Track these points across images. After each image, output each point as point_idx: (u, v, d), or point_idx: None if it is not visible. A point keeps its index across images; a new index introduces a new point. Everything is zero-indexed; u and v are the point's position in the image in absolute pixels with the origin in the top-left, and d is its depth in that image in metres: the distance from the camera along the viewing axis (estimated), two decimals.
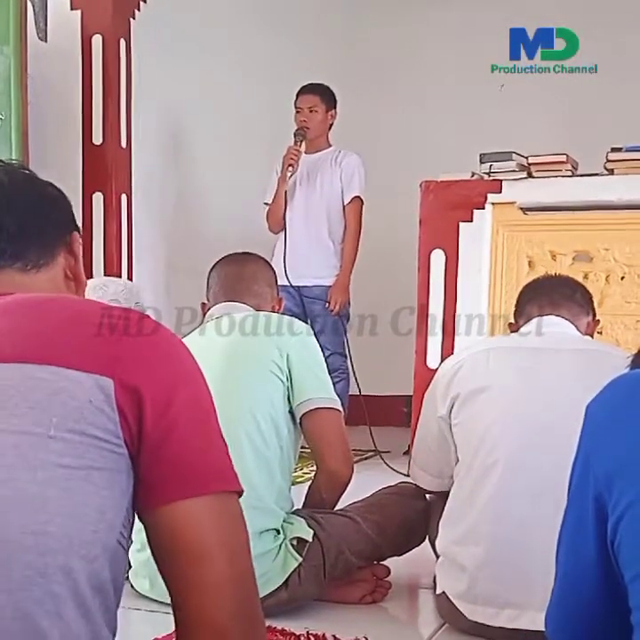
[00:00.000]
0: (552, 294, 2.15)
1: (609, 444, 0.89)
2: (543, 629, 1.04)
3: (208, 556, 0.84)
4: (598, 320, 2.26)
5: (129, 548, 0.87)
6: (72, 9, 4.18)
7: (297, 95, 4.30)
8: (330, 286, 4.23)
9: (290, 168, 4.20)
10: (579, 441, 0.94)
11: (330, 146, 4.36)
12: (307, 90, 4.29)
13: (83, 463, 0.81)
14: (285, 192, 4.24)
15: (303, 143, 4.25)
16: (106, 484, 0.82)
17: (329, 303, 4.18)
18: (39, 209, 1.02)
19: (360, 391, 4.21)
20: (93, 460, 0.81)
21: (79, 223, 1.10)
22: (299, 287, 4.20)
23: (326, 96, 4.29)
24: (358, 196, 4.24)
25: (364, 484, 2.41)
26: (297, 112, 4.28)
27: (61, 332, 0.86)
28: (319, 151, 4.33)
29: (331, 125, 4.35)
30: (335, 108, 4.33)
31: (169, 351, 0.90)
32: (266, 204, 4.34)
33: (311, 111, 4.25)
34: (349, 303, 4.30)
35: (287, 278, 4.06)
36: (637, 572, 0.83)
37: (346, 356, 4.25)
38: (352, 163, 4.27)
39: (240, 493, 0.89)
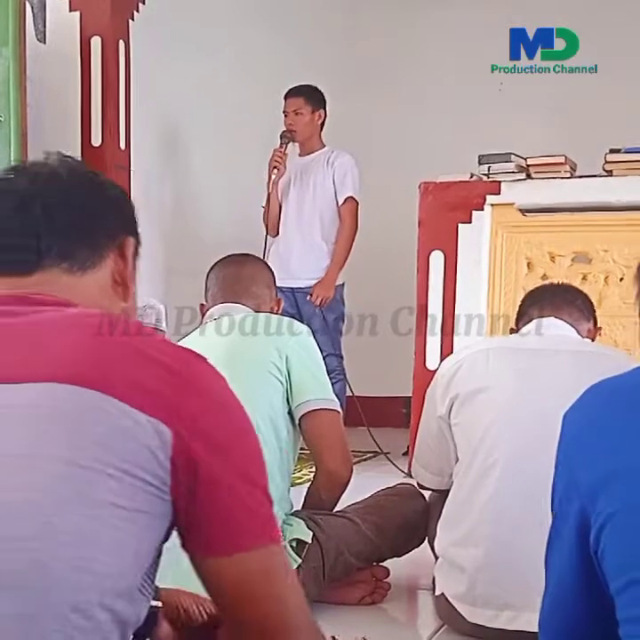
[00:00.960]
0: (553, 298, 2.16)
1: (589, 454, 0.88)
2: None
3: (267, 603, 0.89)
4: (600, 327, 2.26)
5: (153, 589, 0.89)
6: (71, 10, 4.18)
7: (284, 98, 4.26)
8: None
9: (275, 170, 4.18)
10: (557, 449, 0.93)
11: (323, 146, 4.30)
12: (291, 93, 4.24)
13: (132, 505, 0.81)
14: (279, 194, 4.24)
15: (288, 146, 4.22)
16: (147, 527, 0.83)
17: (311, 296, 4.14)
18: (94, 208, 0.99)
19: (353, 392, 4.19)
20: (141, 503, 0.82)
21: None
22: (293, 288, 4.18)
23: (312, 97, 4.23)
24: (352, 197, 4.18)
25: (363, 485, 2.41)
26: (284, 116, 4.25)
27: (118, 362, 0.85)
28: (312, 152, 4.29)
29: (322, 125, 4.29)
30: (324, 108, 4.26)
31: (224, 404, 0.90)
32: (263, 207, 4.33)
33: (296, 114, 4.21)
34: (344, 304, 4.27)
35: (281, 280, 4.05)
36: (622, 583, 0.82)
37: (342, 357, 4.23)
38: (345, 163, 4.21)
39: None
